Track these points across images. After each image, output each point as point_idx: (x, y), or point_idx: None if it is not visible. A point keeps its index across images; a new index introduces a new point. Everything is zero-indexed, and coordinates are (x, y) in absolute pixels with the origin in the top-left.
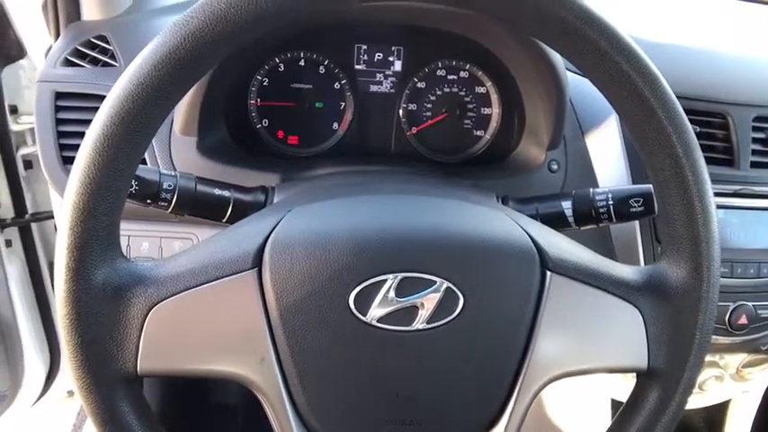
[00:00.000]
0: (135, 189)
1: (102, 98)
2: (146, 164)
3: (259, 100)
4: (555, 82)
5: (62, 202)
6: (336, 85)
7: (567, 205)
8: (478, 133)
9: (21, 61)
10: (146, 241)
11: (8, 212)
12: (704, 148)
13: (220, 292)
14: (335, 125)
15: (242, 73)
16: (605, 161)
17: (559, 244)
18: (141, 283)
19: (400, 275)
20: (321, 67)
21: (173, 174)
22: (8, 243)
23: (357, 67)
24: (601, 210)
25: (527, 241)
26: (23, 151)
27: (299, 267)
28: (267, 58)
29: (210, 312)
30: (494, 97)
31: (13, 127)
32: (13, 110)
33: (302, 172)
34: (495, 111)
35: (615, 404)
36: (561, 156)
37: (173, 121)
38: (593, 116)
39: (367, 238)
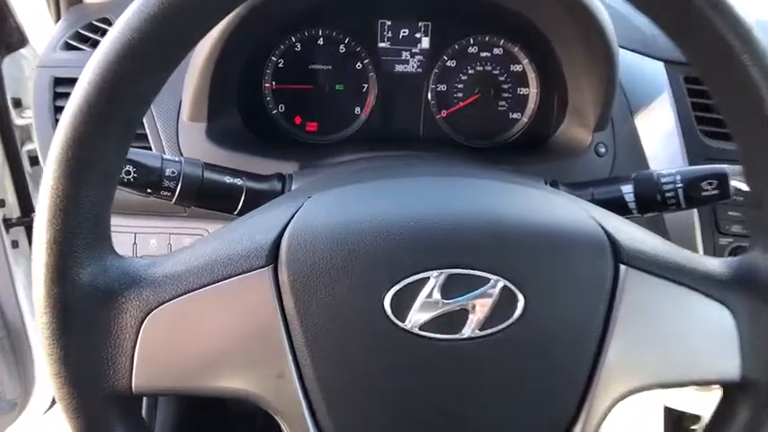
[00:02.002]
0: (133, 177)
1: None
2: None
3: (274, 83)
4: (607, 56)
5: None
6: (358, 66)
7: (627, 189)
8: (515, 116)
9: (23, 51)
10: (153, 238)
11: (14, 211)
12: None
13: (229, 295)
14: (357, 109)
15: (255, 54)
16: (657, 144)
17: (633, 233)
18: (135, 284)
19: (446, 272)
20: (341, 46)
21: (176, 159)
22: (15, 244)
23: (381, 44)
24: (668, 194)
25: (597, 229)
26: (29, 147)
27: (323, 263)
28: (282, 37)
29: (217, 319)
30: (531, 76)
31: (18, 121)
32: (17, 103)
33: (322, 160)
34: (532, 91)
35: (669, 412)
36: (608, 138)
37: (180, 106)
38: (642, 94)
39: (403, 226)
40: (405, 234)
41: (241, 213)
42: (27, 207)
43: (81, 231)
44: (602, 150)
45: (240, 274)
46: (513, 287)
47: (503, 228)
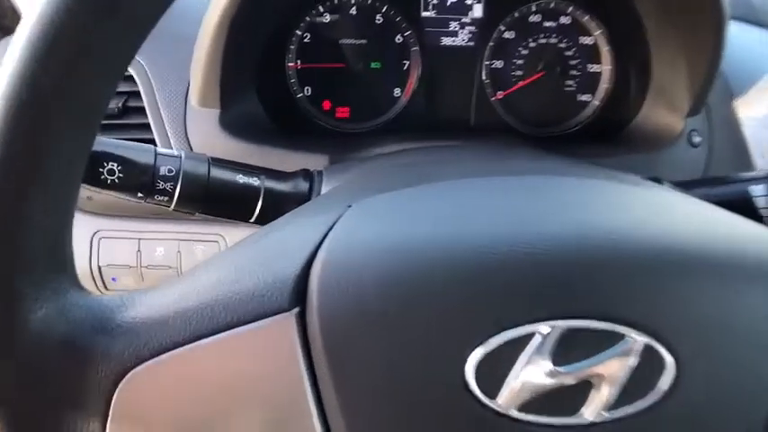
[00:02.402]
0: (119, 177)
1: None
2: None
3: (299, 62)
4: (715, 21)
5: None
6: (398, 39)
7: (760, 190)
8: (584, 97)
9: None
10: (160, 245)
11: None
12: None
13: (236, 350)
14: (397, 91)
15: (277, 28)
16: (763, 135)
17: None
18: (106, 332)
19: (557, 326)
20: (378, 16)
21: (175, 153)
22: None
23: (425, 14)
24: None
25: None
26: None
27: (371, 308)
28: (308, 7)
29: (219, 384)
30: (604, 50)
31: None
32: None
33: (355, 152)
34: (605, 68)
35: None
36: (703, 125)
37: (188, 90)
38: (745, 71)
39: (492, 255)
40: (494, 267)
41: (259, 222)
42: None
43: (31, 260)
44: (697, 140)
45: (252, 321)
46: (659, 346)
47: (641, 254)
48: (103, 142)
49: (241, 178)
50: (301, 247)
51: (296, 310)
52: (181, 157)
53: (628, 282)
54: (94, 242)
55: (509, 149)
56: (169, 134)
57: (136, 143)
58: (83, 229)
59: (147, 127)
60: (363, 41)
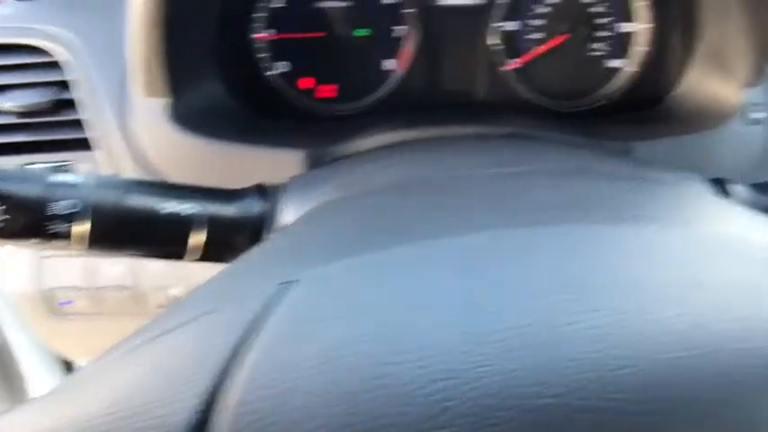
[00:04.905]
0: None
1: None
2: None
3: (269, 32)
4: None
5: None
6: (389, 0)
7: None
8: (616, 63)
9: None
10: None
11: None
12: None
13: None
14: (390, 63)
15: None
16: None
17: None
18: None
19: None
20: None
21: (73, 181)
22: None
23: None
24: None
25: None
26: None
27: None
28: None
29: None
30: (639, 5)
31: None
32: None
33: (342, 140)
34: (642, 26)
35: None
36: (765, 98)
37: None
38: None
39: (493, 418)
40: (511, 397)
41: (206, 259)
42: None
43: None
44: (759, 116)
45: None
46: None
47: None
48: None
49: (167, 206)
50: (199, 370)
51: None
52: (80, 185)
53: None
54: (38, 262)
55: (520, 145)
56: (106, 135)
57: (25, 169)
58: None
59: (77, 125)
60: (347, 3)
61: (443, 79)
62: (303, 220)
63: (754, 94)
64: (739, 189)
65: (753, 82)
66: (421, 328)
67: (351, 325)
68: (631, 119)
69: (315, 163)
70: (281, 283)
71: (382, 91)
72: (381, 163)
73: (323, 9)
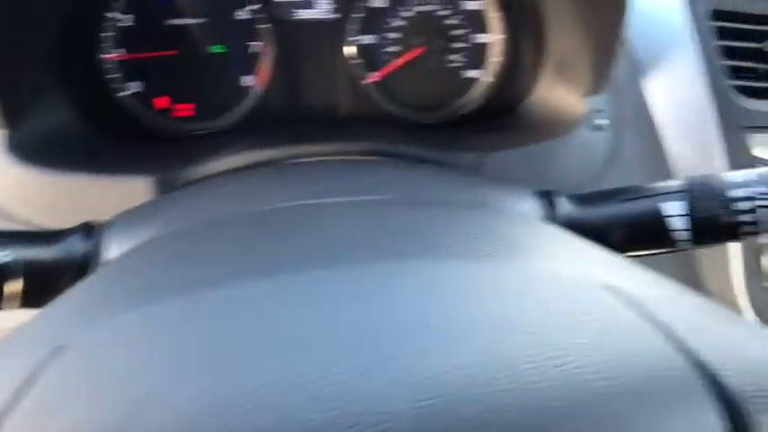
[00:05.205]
0: None
1: None
2: None
3: (122, 51)
4: None
5: None
6: (243, 14)
7: (674, 209)
8: (473, 74)
9: None
10: None
11: None
12: None
13: None
14: (249, 80)
15: (87, 8)
16: (678, 115)
17: (730, 338)
18: None
19: None
20: None
21: None
22: None
23: None
24: (744, 218)
25: (676, 361)
26: None
27: None
28: None
29: None
30: (493, 16)
31: None
32: None
33: (200, 162)
34: (495, 37)
35: None
36: (609, 105)
37: None
38: (654, 45)
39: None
40: None
41: (28, 306)
42: None
43: None
44: (602, 122)
45: None
46: None
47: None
48: None
49: None
50: None
51: None
52: None
53: None
54: None
55: (367, 170)
56: None
57: None
58: None
59: None
60: (201, 20)
61: (304, 94)
62: (118, 262)
63: (597, 102)
64: (563, 202)
65: (595, 90)
66: (171, 397)
67: (103, 396)
68: (487, 129)
69: (165, 189)
70: (56, 347)
71: (242, 108)
72: (219, 192)
73: (175, 26)
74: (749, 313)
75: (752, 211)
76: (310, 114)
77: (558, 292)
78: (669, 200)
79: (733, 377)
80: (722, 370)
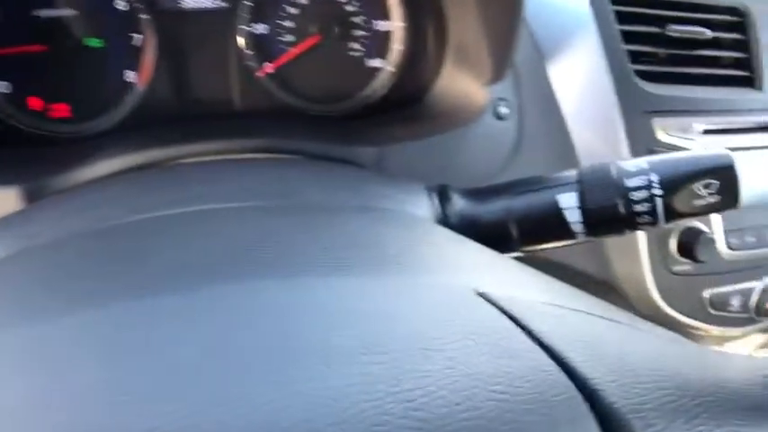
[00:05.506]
0: None
1: None
2: None
3: None
4: None
5: None
6: (122, 5)
7: (568, 201)
8: (375, 63)
9: None
10: None
11: None
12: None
13: None
14: (131, 75)
15: None
16: (582, 101)
17: (610, 350)
18: None
19: None
20: None
21: None
22: None
23: None
24: (639, 209)
25: (552, 375)
26: None
27: None
28: None
29: None
30: (393, 2)
31: None
32: None
33: (73, 171)
34: (396, 25)
35: None
36: (512, 93)
37: None
38: (557, 32)
39: None
40: None
41: None
42: None
43: None
44: (505, 111)
45: None
46: None
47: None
48: None
49: None
50: None
51: None
52: None
53: None
54: None
55: (253, 166)
56: None
57: None
58: None
59: None
60: (70, 12)
61: (193, 89)
62: None
63: (500, 91)
64: (456, 198)
65: (496, 77)
66: None
67: None
68: (390, 120)
69: (35, 198)
70: None
71: (125, 107)
72: (87, 200)
73: (43, 19)
74: (656, 295)
75: (648, 200)
76: (201, 110)
77: (427, 308)
78: (563, 191)
79: (612, 392)
80: (601, 384)
